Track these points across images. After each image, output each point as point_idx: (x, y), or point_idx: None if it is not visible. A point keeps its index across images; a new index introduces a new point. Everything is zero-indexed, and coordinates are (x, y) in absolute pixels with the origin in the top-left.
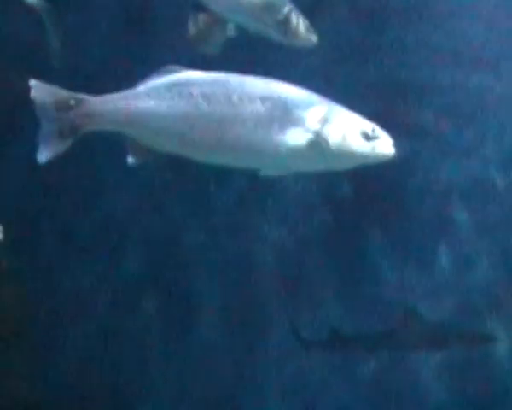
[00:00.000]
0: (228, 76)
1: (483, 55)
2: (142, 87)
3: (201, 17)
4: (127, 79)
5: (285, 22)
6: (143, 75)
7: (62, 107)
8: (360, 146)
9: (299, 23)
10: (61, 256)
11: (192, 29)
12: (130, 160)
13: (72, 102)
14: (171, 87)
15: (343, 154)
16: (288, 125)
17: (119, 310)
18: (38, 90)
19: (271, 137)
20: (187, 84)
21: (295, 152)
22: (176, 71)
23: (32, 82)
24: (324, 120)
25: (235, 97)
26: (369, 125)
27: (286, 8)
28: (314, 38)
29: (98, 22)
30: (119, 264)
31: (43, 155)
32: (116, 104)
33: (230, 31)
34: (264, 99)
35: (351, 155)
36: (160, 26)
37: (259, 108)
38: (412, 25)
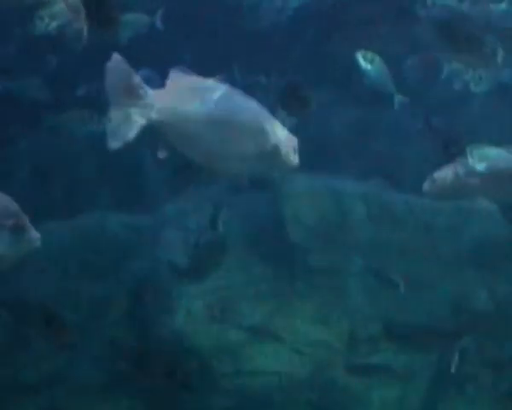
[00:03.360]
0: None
1: None
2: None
3: None
4: None
5: None
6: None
7: (131, 94)
8: (295, 158)
9: None
10: None
11: None
12: (161, 155)
13: (142, 91)
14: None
15: (286, 163)
16: (258, 138)
17: None
18: (116, 67)
19: (250, 148)
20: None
21: (261, 160)
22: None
23: (115, 56)
24: (278, 136)
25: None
26: (296, 142)
27: None
28: None
29: None
30: None
31: (113, 143)
32: (175, 109)
33: None
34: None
35: (289, 164)
36: None
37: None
38: None
